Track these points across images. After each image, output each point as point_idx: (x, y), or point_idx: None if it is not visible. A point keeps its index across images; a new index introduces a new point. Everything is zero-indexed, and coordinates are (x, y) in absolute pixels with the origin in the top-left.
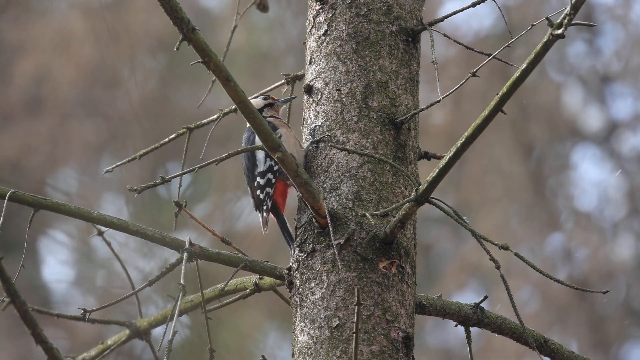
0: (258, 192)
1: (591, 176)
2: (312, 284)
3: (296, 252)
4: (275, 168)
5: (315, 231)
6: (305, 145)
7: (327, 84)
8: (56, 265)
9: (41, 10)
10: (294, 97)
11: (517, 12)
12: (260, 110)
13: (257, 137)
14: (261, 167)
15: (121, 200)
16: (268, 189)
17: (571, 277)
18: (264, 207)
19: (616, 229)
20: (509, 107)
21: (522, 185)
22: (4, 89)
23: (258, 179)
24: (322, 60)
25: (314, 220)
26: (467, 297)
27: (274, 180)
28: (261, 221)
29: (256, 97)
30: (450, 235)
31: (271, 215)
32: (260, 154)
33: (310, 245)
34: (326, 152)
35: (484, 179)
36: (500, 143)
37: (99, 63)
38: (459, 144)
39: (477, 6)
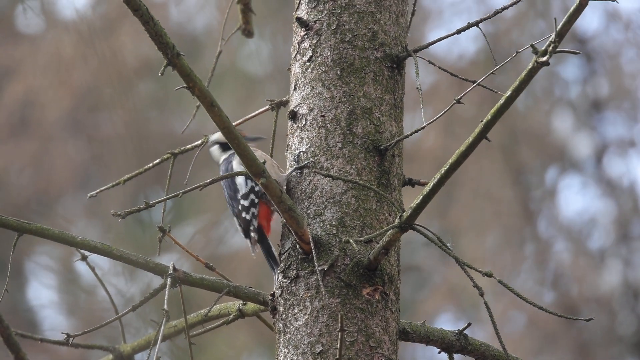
0: (244, 214)
1: (580, 201)
2: (296, 310)
3: (280, 278)
4: (257, 189)
5: (299, 257)
6: (288, 171)
7: (311, 110)
8: (41, 288)
9: (30, 34)
10: (262, 138)
11: (506, 36)
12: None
13: (234, 165)
14: (243, 190)
15: (105, 223)
16: (253, 209)
17: (559, 302)
18: (251, 227)
19: (604, 255)
20: (499, 132)
21: (511, 210)
22: None
23: (242, 201)
24: (307, 86)
25: (297, 246)
26: (454, 320)
27: (256, 201)
28: (250, 243)
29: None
30: (438, 258)
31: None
32: (240, 179)
33: (294, 271)
34: (310, 178)
35: (473, 204)
36: (490, 168)
37: (87, 86)
38: (443, 171)
39: (468, 30)
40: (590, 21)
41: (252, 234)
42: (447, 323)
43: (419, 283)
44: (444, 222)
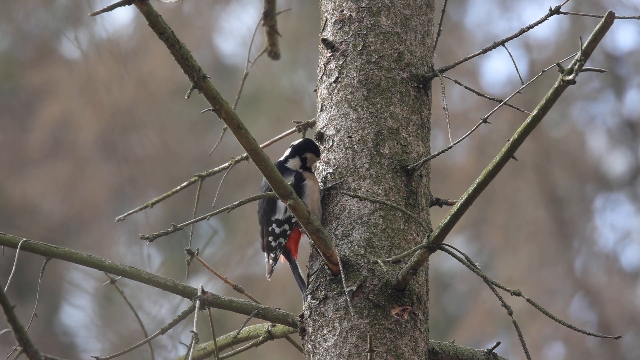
0: (270, 238)
1: (614, 220)
2: (325, 331)
3: (308, 299)
4: (294, 220)
5: (328, 278)
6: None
7: (338, 131)
8: (75, 311)
9: (63, 56)
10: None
11: (546, 55)
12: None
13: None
14: (280, 216)
15: (142, 245)
16: (281, 240)
17: (595, 320)
18: (273, 255)
19: (639, 273)
20: (533, 151)
21: (546, 230)
22: (24, 134)
23: (274, 225)
24: (334, 107)
25: (326, 267)
26: (495, 338)
27: (289, 232)
28: (266, 267)
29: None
30: (478, 277)
31: (282, 258)
32: (281, 202)
33: (323, 292)
34: (338, 199)
35: (508, 224)
36: (525, 187)
37: (120, 108)
38: (470, 190)
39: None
40: (623, 38)
41: (271, 262)
42: (487, 344)
43: (460, 303)
44: (479, 242)
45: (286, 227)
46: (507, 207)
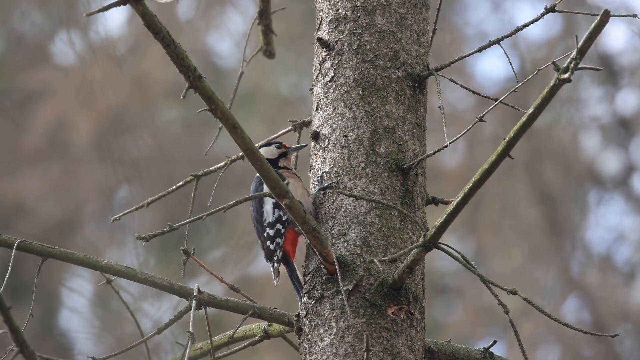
0: (268, 242)
1: (608, 219)
2: (321, 330)
3: (304, 298)
4: (284, 218)
5: (324, 277)
6: (312, 192)
7: (334, 130)
8: (73, 312)
9: (59, 58)
10: (305, 145)
11: (540, 51)
12: (276, 160)
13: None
14: (270, 218)
15: (143, 247)
16: (278, 240)
17: (589, 319)
18: (275, 258)
19: (634, 272)
20: (525, 151)
21: (538, 229)
22: (19, 135)
23: (267, 229)
24: (329, 106)
25: (322, 266)
26: (488, 342)
27: (283, 231)
28: (272, 272)
29: (268, 145)
30: (471, 279)
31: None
32: (268, 205)
33: (319, 291)
34: (334, 198)
35: (500, 223)
36: (517, 186)
37: (115, 109)
38: (466, 189)
39: (503, 45)
40: (616, 38)
41: (275, 265)
42: (480, 344)
43: (450, 304)
44: (471, 241)
45: (279, 226)
46: (499, 206)
